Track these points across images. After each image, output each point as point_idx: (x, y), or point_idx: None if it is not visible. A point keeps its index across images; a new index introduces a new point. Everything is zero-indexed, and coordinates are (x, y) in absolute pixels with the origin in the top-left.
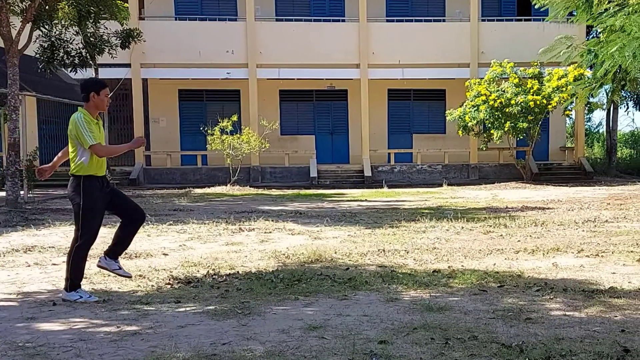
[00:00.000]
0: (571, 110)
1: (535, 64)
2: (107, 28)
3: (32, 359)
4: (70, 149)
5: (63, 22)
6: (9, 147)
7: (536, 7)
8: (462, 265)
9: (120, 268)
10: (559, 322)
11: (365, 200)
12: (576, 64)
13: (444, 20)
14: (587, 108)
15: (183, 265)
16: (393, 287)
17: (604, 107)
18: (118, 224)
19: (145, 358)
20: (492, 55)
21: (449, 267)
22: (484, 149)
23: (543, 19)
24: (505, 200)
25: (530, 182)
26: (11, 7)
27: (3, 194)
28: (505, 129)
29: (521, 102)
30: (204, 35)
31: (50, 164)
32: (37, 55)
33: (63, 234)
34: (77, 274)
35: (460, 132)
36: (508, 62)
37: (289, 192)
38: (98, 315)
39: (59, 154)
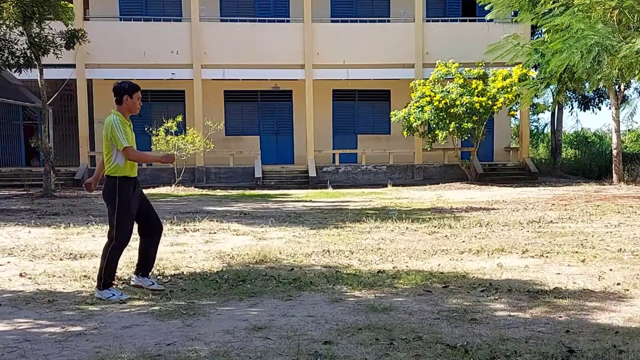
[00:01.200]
0: (516, 111)
1: (481, 64)
2: (51, 28)
3: None
4: (105, 151)
5: (7, 23)
6: None
7: (480, 4)
8: (407, 266)
9: (153, 284)
10: (503, 322)
11: (310, 200)
12: (521, 64)
13: (388, 21)
14: (532, 110)
15: (127, 265)
16: (338, 288)
17: (549, 108)
18: (138, 240)
19: (90, 358)
20: (437, 56)
21: (393, 267)
22: (429, 149)
23: (488, 20)
24: (450, 201)
25: (475, 182)
26: None
27: None
28: (450, 129)
29: (466, 103)
30: (148, 35)
31: (94, 176)
32: None
33: (7, 235)
34: (109, 273)
35: (405, 132)
36: (453, 63)
37: (234, 192)
38: (43, 316)
39: (98, 164)
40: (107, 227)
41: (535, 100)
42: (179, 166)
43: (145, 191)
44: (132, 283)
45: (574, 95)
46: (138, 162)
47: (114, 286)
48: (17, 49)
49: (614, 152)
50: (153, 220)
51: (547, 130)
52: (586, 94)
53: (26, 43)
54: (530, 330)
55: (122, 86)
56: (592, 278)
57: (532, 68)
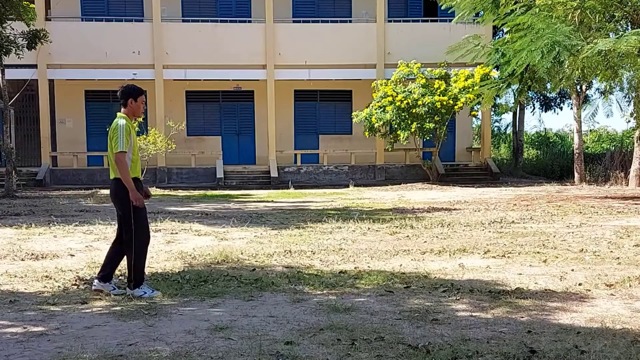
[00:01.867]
0: (478, 111)
1: (442, 64)
2: (13, 29)
3: None
4: (110, 154)
5: None
6: None
7: (442, 7)
8: (369, 266)
9: (115, 289)
10: (465, 323)
11: (272, 201)
12: (483, 64)
13: (350, 21)
14: (494, 110)
15: (89, 266)
16: (299, 288)
17: (511, 108)
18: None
19: (51, 359)
20: (399, 56)
21: (355, 268)
22: (390, 149)
23: (450, 20)
24: (412, 201)
25: (436, 182)
26: None
27: None
28: (412, 129)
29: (428, 103)
30: (110, 36)
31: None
32: None
33: None
34: (140, 271)
35: (366, 133)
36: (415, 63)
37: (196, 193)
38: (4, 316)
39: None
40: (69, 228)
41: (497, 101)
42: (140, 166)
43: (106, 192)
44: (93, 288)
45: (535, 95)
46: (118, 170)
47: (144, 284)
48: None
49: (576, 152)
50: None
51: (509, 130)
52: (548, 94)
53: None
54: (492, 331)
55: (128, 89)
56: (553, 278)
57: (494, 68)
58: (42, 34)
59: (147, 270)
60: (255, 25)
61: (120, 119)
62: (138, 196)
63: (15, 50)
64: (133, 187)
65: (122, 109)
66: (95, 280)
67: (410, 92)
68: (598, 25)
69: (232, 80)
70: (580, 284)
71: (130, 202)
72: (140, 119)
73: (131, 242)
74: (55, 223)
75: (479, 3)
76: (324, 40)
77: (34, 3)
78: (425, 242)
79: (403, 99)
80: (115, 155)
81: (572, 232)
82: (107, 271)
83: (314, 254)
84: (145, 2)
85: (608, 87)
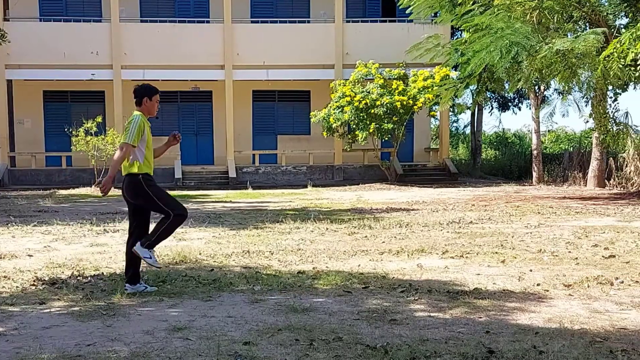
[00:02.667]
0: (436, 111)
1: (401, 65)
2: None
3: None
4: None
5: None
6: None
7: (401, 6)
8: (327, 267)
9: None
10: (423, 323)
11: (230, 201)
12: (442, 65)
13: (308, 22)
14: (452, 110)
15: (47, 266)
16: (258, 289)
17: (470, 108)
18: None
19: (9, 359)
20: (357, 56)
21: (313, 268)
22: (349, 150)
23: (408, 21)
24: (370, 202)
25: (395, 183)
26: None
27: None
28: (370, 130)
29: (386, 103)
30: (68, 36)
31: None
32: None
33: None
34: (158, 240)
35: (325, 133)
36: (373, 63)
37: None
38: None
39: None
40: (27, 228)
41: (456, 101)
42: (98, 167)
43: (65, 192)
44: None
45: (494, 95)
46: (113, 162)
47: (153, 252)
48: None
49: (534, 152)
50: (147, 221)
51: (467, 130)
52: (506, 94)
53: None
54: (450, 331)
55: (143, 88)
56: (512, 279)
57: (453, 68)
58: (0, 35)
59: (105, 271)
60: (213, 25)
61: (137, 114)
62: (108, 185)
63: None
64: (112, 175)
65: (137, 108)
66: (127, 285)
67: (369, 92)
68: (556, 26)
69: (191, 80)
70: (538, 284)
71: (150, 193)
72: (154, 116)
73: (168, 218)
74: (14, 223)
75: (437, 2)
76: (283, 40)
77: None
78: (384, 242)
79: (361, 99)
80: (120, 145)
81: (531, 233)
82: (131, 272)
83: (272, 254)
84: (104, 2)
85: (566, 87)
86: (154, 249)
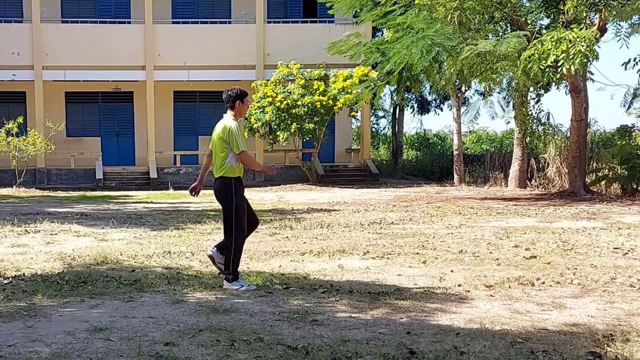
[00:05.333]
0: (357, 112)
1: (322, 65)
2: None
3: None
4: (220, 153)
5: None
6: None
7: (321, 2)
8: (248, 267)
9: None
10: (344, 324)
11: (151, 202)
12: (362, 65)
13: (229, 22)
14: (373, 111)
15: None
16: (179, 289)
17: (391, 105)
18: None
19: None
20: (279, 57)
21: None
22: (270, 150)
23: (329, 21)
24: (291, 202)
25: (316, 183)
26: None
27: None
28: (292, 130)
29: (307, 103)
30: None
31: (198, 181)
32: None
33: None
34: (236, 265)
35: (246, 134)
36: (294, 64)
37: (75, 194)
38: None
39: (202, 169)
40: None
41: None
42: (19, 167)
43: None
44: (207, 253)
45: (415, 97)
46: (245, 165)
47: (240, 278)
48: None
49: (455, 153)
50: (252, 213)
51: (389, 131)
52: (427, 95)
53: None
54: (371, 332)
55: (236, 92)
56: (433, 279)
57: (373, 68)
58: None
59: (27, 272)
60: (134, 26)
61: (231, 121)
62: (269, 167)
63: None
64: (262, 166)
65: (229, 111)
66: (225, 283)
67: (290, 92)
68: (478, 27)
69: (112, 81)
70: (459, 285)
71: (233, 198)
72: (244, 118)
73: (231, 236)
74: None
75: (357, 1)
76: (204, 41)
77: None
78: (305, 243)
79: (282, 99)
80: (239, 156)
81: (452, 233)
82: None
83: (193, 255)
84: (25, 2)
85: (488, 88)
86: (239, 276)
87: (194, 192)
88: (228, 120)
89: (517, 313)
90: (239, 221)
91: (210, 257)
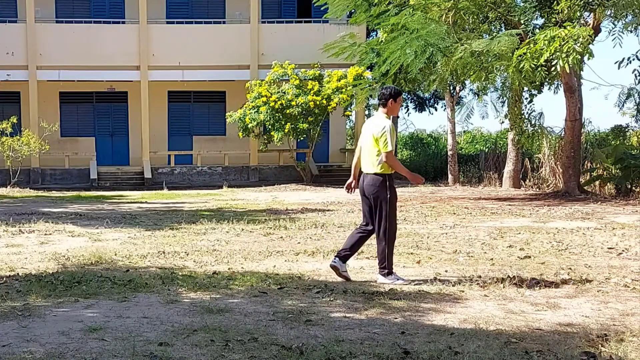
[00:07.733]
0: (351, 112)
1: (316, 65)
2: None
3: None
4: (375, 151)
5: None
6: None
7: (316, 4)
8: (242, 267)
9: (346, 271)
10: (339, 324)
11: (146, 202)
12: (356, 65)
13: (224, 22)
14: (367, 111)
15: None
16: (173, 289)
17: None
18: (354, 230)
19: None
20: (273, 57)
21: (229, 269)
22: (264, 150)
23: (323, 21)
24: (286, 202)
25: (310, 184)
26: None
27: None
28: (286, 130)
29: (302, 103)
30: None
31: (352, 177)
32: None
33: None
34: (391, 260)
35: (240, 134)
36: (289, 64)
37: (69, 194)
38: None
39: (354, 166)
40: None
41: (371, 102)
42: (14, 167)
43: None
44: (331, 264)
45: (409, 96)
46: (391, 167)
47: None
48: None
49: (449, 153)
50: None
51: None
52: (422, 95)
53: None
54: (366, 332)
55: (390, 90)
56: (427, 279)
57: (367, 69)
58: None
59: (21, 272)
60: (128, 26)
61: (385, 120)
62: (416, 176)
63: None
64: (410, 173)
65: (381, 109)
66: (380, 277)
67: (284, 92)
68: (472, 27)
69: (106, 81)
70: (454, 285)
71: (387, 193)
72: (396, 116)
73: (386, 233)
74: None
75: (352, 2)
76: (198, 41)
77: None
78: (299, 243)
79: (277, 99)
80: (385, 155)
81: (446, 233)
82: (345, 253)
83: (187, 255)
84: (19, 2)
85: (482, 87)
86: (393, 270)
87: (350, 188)
88: (382, 118)
89: (511, 313)
90: (393, 216)
91: (333, 267)
